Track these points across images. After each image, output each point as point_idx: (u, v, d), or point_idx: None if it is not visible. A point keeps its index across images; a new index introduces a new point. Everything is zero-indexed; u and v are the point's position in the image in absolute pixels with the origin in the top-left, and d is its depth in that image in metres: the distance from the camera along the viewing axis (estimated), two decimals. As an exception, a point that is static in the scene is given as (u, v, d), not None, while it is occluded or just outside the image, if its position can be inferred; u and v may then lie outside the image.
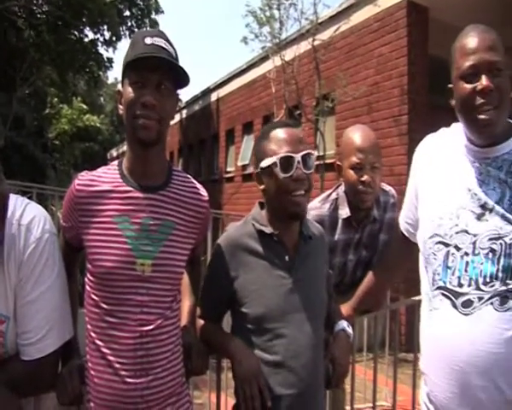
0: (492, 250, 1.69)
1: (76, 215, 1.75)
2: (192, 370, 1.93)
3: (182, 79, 1.75)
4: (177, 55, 1.75)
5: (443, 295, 1.78)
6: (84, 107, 34.25)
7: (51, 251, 1.68)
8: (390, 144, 8.17)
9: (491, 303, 1.67)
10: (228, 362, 1.92)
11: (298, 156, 1.86)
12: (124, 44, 19.99)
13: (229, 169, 16.20)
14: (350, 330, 2.18)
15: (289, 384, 1.87)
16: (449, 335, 1.74)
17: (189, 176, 1.92)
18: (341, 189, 2.65)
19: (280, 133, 1.91)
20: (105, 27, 17.87)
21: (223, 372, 2.36)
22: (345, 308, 2.45)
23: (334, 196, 2.66)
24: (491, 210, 1.73)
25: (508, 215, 1.70)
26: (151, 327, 1.71)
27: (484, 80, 1.71)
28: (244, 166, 14.72)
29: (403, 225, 2.19)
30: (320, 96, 8.80)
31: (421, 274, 1.95)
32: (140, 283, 1.70)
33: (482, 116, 1.74)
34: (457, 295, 1.73)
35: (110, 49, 18.82)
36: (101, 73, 20.06)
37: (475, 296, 1.70)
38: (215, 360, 2.25)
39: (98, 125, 36.90)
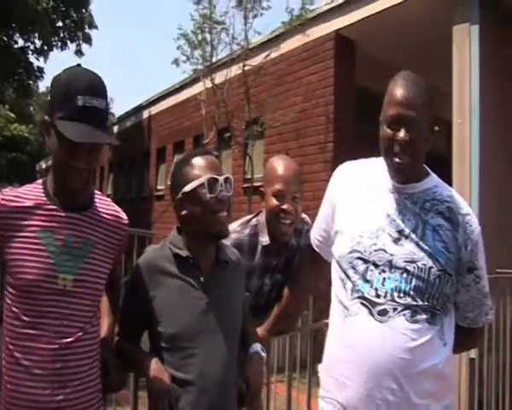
0: (407, 271, 1.92)
1: None
2: (109, 386, 1.99)
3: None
4: (107, 96, 1.81)
5: (361, 303, 1.95)
6: (12, 115, 33.11)
7: None
8: (315, 170, 8.38)
9: (404, 314, 1.89)
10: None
11: (221, 179, 2.00)
12: (55, 54, 19.55)
13: (159, 187, 16.07)
14: (263, 353, 2.28)
15: (200, 403, 1.94)
16: (364, 339, 1.92)
17: (109, 199, 2.03)
18: (262, 216, 2.69)
19: (201, 160, 2.05)
20: (36, 35, 17.42)
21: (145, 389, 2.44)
22: (260, 331, 2.55)
23: (254, 221, 2.70)
24: (406, 237, 1.95)
25: (421, 243, 1.93)
26: (70, 340, 1.77)
27: (402, 133, 1.92)
28: (174, 185, 14.55)
29: (314, 242, 2.35)
30: (249, 120, 8.94)
31: (336, 284, 2.10)
32: (61, 297, 1.77)
33: (397, 160, 1.95)
34: (374, 304, 1.93)
35: (41, 59, 18.42)
36: (31, 82, 19.48)
37: (391, 307, 1.90)
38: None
39: (26, 134, 35.73)
